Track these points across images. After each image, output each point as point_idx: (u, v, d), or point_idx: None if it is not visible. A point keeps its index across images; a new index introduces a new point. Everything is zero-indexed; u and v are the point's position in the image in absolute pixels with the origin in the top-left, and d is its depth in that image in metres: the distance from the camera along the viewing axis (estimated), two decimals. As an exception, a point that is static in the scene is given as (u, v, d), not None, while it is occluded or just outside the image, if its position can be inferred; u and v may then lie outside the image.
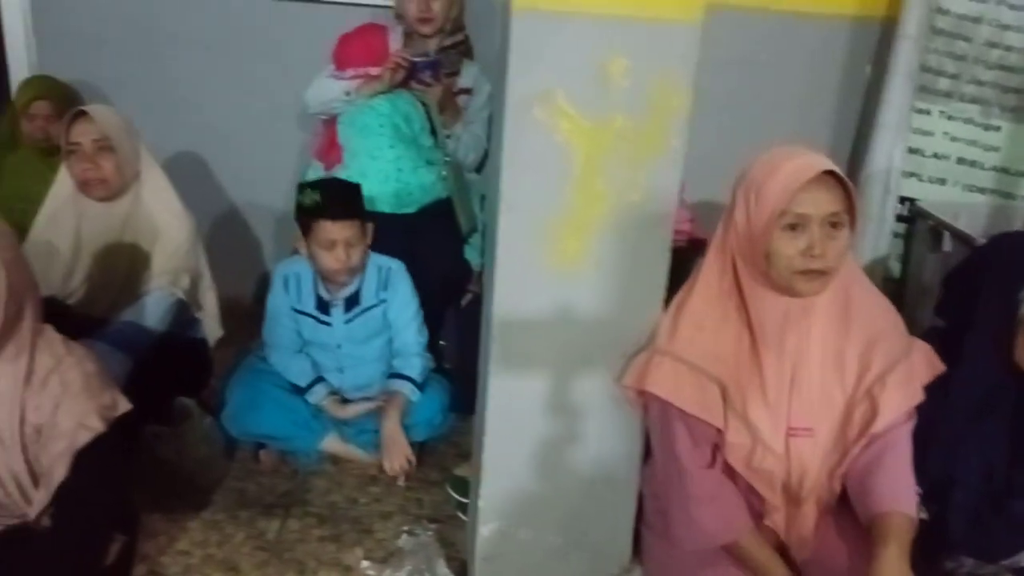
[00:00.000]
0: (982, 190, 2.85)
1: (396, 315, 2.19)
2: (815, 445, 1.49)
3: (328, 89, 2.48)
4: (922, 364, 1.51)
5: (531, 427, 1.61)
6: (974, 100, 2.79)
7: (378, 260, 2.18)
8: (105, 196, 2.13)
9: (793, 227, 1.39)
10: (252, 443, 2.16)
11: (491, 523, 1.66)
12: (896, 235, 2.80)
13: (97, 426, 1.44)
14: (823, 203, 1.38)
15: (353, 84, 2.44)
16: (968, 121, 2.81)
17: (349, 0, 2.76)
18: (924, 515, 1.53)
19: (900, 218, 2.79)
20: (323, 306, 2.15)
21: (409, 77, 2.43)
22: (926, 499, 1.56)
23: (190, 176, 2.52)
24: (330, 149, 2.51)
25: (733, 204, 1.50)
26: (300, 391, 2.16)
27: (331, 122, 2.52)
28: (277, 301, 2.18)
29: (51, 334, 1.49)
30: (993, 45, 2.75)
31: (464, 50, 2.62)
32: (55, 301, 2.05)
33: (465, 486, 2.00)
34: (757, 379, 1.49)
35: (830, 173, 1.38)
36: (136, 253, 2.17)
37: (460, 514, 1.98)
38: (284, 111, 2.82)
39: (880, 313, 1.54)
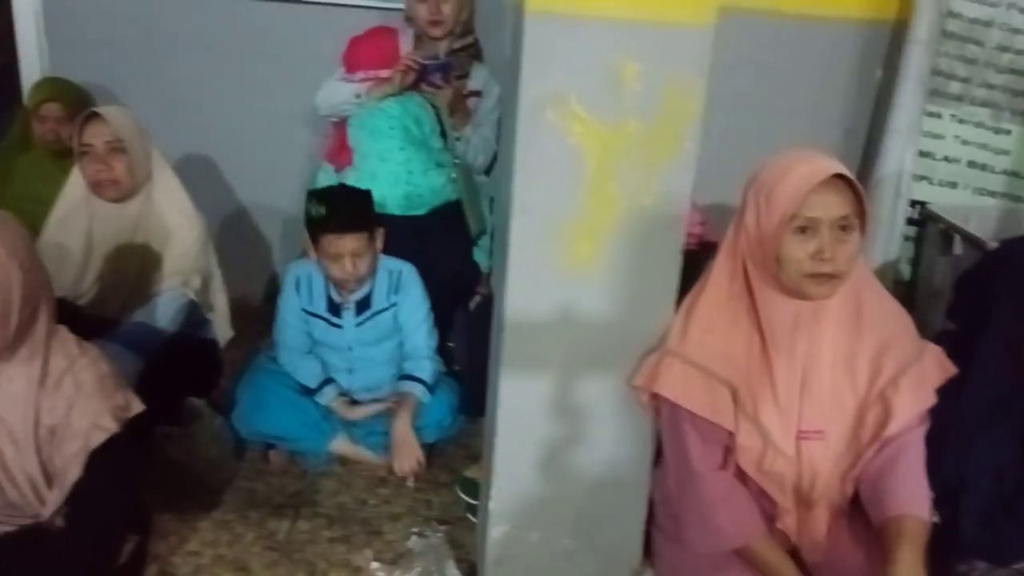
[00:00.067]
0: (992, 193, 2.85)
1: (407, 318, 2.19)
2: (826, 448, 1.49)
3: (338, 92, 2.49)
4: (934, 367, 1.51)
5: (542, 429, 1.61)
6: (985, 104, 2.79)
7: (389, 263, 2.18)
8: (117, 197, 2.14)
9: (803, 230, 1.39)
10: (262, 443, 2.17)
11: (501, 525, 1.66)
12: (906, 238, 2.80)
13: (111, 427, 1.45)
14: (833, 206, 1.38)
15: (363, 87, 2.46)
16: (979, 125, 2.81)
17: (359, 3, 2.77)
18: (936, 519, 1.53)
19: (911, 221, 2.79)
20: (334, 308, 2.16)
21: (419, 80, 2.44)
22: (937, 503, 1.55)
23: (200, 178, 2.53)
24: (340, 151, 2.52)
25: (744, 207, 1.50)
26: (310, 392, 2.16)
27: (341, 124, 2.53)
28: (288, 302, 2.18)
29: (65, 335, 1.50)
30: (1004, 49, 2.75)
31: (474, 53, 2.63)
32: (66, 302, 2.05)
33: (474, 488, 2.00)
34: (767, 382, 1.49)
35: (840, 176, 1.38)
36: (147, 254, 2.18)
37: (469, 516, 1.98)
38: (294, 113, 2.83)
39: (891, 316, 1.53)
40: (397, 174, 2.41)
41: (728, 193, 1.71)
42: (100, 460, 1.43)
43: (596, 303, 1.54)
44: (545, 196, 1.46)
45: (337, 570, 1.81)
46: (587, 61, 1.39)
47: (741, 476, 1.51)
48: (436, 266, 2.32)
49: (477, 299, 2.64)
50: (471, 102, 2.60)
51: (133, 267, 2.17)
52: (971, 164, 2.83)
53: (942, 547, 1.43)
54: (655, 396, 1.54)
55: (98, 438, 1.43)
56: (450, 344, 2.50)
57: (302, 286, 2.17)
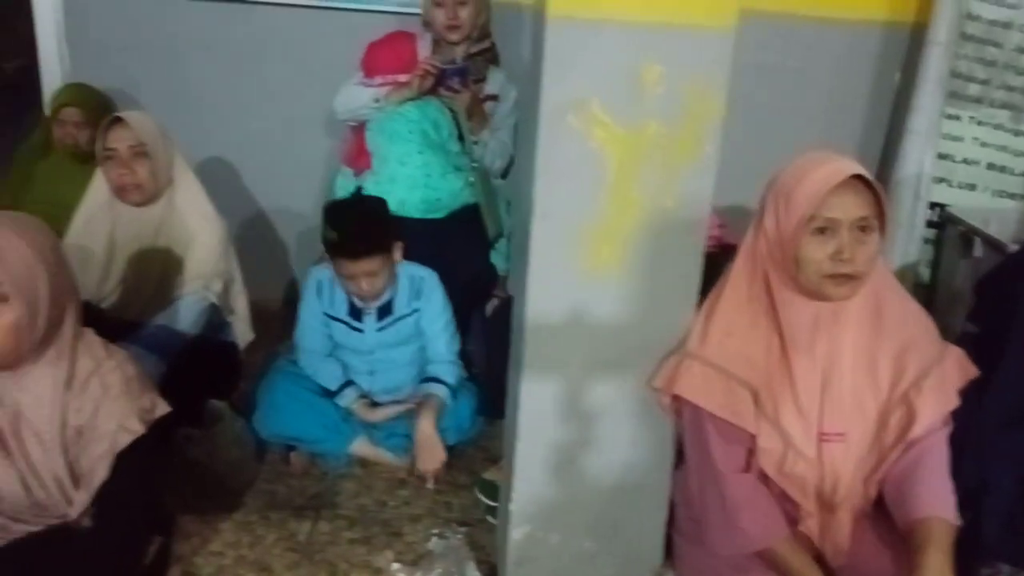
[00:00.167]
0: (1012, 195, 2.83)
1: (428, 324, 2.20)
2: (848, 450, 1.49)
3: (357, 96, 2.50)
4: (956, 370, 1.51)
5: (562, 432, 1.61)
6: (1004, 105, 2.78)
7: (411, 269, 2.19)
8: (140, 201, 2.17)
9: (822, 231, 1.40)
10: (282, 445, 2.18)
11: (522, 527, 1.67)
12: (926, 241, 2.79)
13: (137, 428, 1.46)
14: (852, 207, 1.39)
15: (382, 91, 2.47)
16: (998, 127, 2.80)
17: (377, 8, 2.79)
18: (958, 521, 1.52)
19: (930, 224, 2.78)
20: (355, 313, 2.17)
21: (437, 84, 2.45)
22: (959, 505, 1.55)
23: (219, 182, 2.54)
24: (359, 155, 2.54)
25: (763, 210, 1.51)
26: (330, 394, 2.17)
27: (359, 129, 2.55)
28: (309, 306, 2.20)
29: (91, 337, 1.51)
30: (1023, 51, 2.74)
31: (491, 57, 2.64)
32: (89, 305, 2.07)
33: (494, 490, 2.01)
34: (788, 384, 1.49)
35: (859, 177, 1.39)
36: (169, 258, 2.20)
37: (490, 518, 1.99)
38: (312, 118, 2.85)
39: (912, 319, 1.53)
40: (415, 178, 2.42)
41: (746, 196, 1.72)
42: (126, 461, 1.45)
43: (616, 306, 1.54)
44: (566, 200, 1.47)
45: (358, 571, 1.82)
46: (608, 65, 1.40)
47: (763, 479, 1.51)
48: (454, 269, 2.33)
49: (494, 302, 2.65)
50: (488, 106, 2.61)
51: (155, 270, 2.19)
52: (990, 166, 2.81)
53: (964, 550, 1.42)
54: (676, 398, 1.55)
55: (125, 439, 1.45)
56: (468, 347, 2.51)
57: (324, 290, 2.18)
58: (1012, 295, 1.73)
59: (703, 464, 1.52)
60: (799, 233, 1.41)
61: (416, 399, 2.19)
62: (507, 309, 2.43)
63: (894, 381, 1.49)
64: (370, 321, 2.17)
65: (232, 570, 1.80)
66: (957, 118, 2.76)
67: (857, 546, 1.49)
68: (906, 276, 2.64)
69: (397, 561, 1.84)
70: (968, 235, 2.62)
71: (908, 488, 1.43)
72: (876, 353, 1.50)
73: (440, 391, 2.16)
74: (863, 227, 1.40)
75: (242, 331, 2.37)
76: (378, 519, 1.99)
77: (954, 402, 1.49)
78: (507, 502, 1.68)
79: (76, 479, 1.47)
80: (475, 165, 2.53)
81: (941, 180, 2.78)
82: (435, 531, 1.94)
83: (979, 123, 2.79)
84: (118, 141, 2.12)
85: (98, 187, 2.22)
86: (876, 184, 1.40)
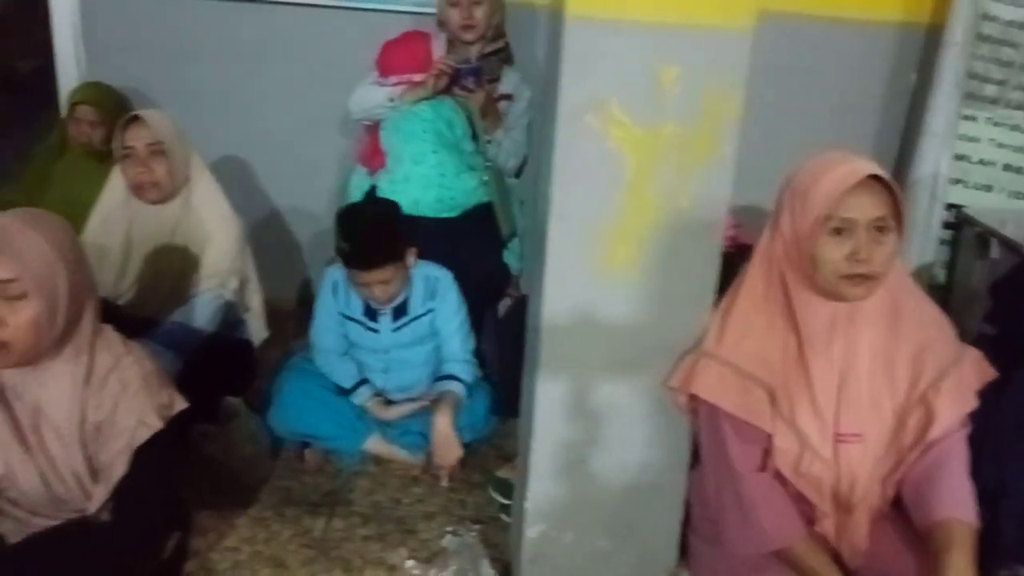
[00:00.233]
0: (1028, 197, 2.82)
1: (443, 324, 2.21)
2: (865, 451, 1.49)
3: (372, 96, 2.51)
4: (973, 371, 1.50)
5: (578, 431, 1.62)
6: (1020, 107, 2.77)
7: (426, 269, 2.19)
8: (157, 199, 2.18)
9: (839, 232, 1.40)
10: (297, 442, 2.20)
11: (537, 525, 1.67)
12: (942, 242, 2.78)
13: (156, 424, 1.47)
14: (869, 207, 1.39)
15: (397, 91, 2.48)
16: (1015, 128, 2.78)
17: (392, 8, 2.80)
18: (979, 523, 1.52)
19: (946, 225, 2.78)
20: (371, 313, 2.17)
21: (452, 83, 2.45)
22: (977, 507, 1.55)
23: (233, 181, 2.55)
24: (374, 154, 2.55)
25: (779, 210, 1.51)
26: (345, 392, 2.19)
27: (374, 128, 2.56)
28: (325, 305, 2.20)
29: (110, 334, 1.52)
30: (1040, 51, 2.73)
31: (505, 57, 2.65)
32: (106, 302, 2.09)
33: (507, 488, 2.02)
34: (804, 384, 1.49)
35: (876, 177, 1.38)
36: (185, 255, 2.22)
37: (503, 516, 1.99)
38: (327, 117, 2.86)
39: (930, 320, 1.53)
40: (430, 177, 2.43)
41: (761, 196, 1.72)
42: (145, 456, 1.46)
43: (632, 306, 1.55)
44: (583, 200, 1.47)
45: (373, 568, 1.82)
46: (626, 65, 1.40)
47: (779, 479, 1.50)
48: (467, 268, 2.34)
49: (507, 301, 2.66)
50: (502, 106, 2.62)
51: (172, 268, 2.21)
52: (1007, 167, 2.80)
53: (982, 552, 1.41)
54: (692, 398, 1.55)
55: (143, 435, 1.45)
56: (480, 346, 2.52)
57: (339, 290, 2.19)
58: (1029, 297, 1.73)
59: (720, 463, 1.52)
60: (815, 233, 1.40)
61: (430, 397, 2.20)
62: (520, 308, 2.44)
63: (912, 382, 1.48)
64: (385, 321, 2.17)
65: (248, 565, 1.81)
66: (973, 119, 2.75)
67: (875, 547, 1.48)
68: (922, 277, 2.64)
69: (411, 558, 1.85)
70: (984, 236, 2.61)
71: (928, 489, 1.42)
72: (893, 354, 1.49)
73: (457, 388, 2.17)
74: (880, 227, 1.40)
75: (257, 329, 2.39)
76: (392, 516, 2.00)
77: (972, 403, 1.48)
78: (522, 500, 1.69)
79: (95, 474, 1.48)
80: (489, 164, 2.53)
81: (957, 181, 2.77)
82: (449, 529, 1.95)
83: (995, 124, 2.78)
84: (136, 139, 2.13)
85: (115, 185, 2.24)
86: (893, 184, 1.40)
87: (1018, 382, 1.62)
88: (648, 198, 1.47)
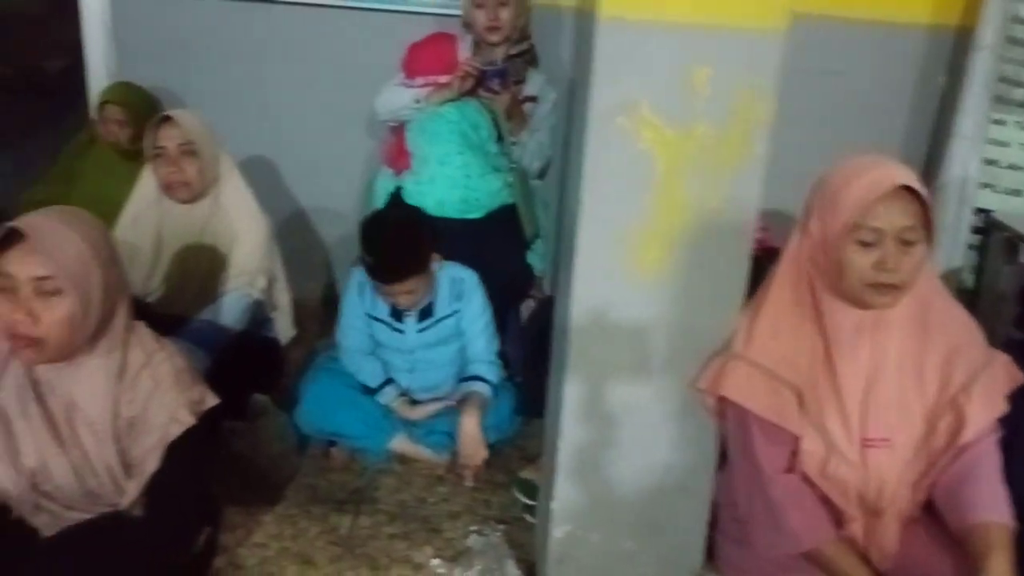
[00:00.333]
0: (1057, 202, 2.79)
1: (469, 325, 2.22)
2: (893, 456, 1.48)
3: (398, 97, 2.53)
4: (1003, 375, 1.50)
5: (605, 432, 1.62)
6: (1051, 111, 2.74)
7: (451, 271, 2.20)
8: (188, 198, 2.21)
9: (866, 241, 1.39)
10: (323, 440, 2.21)
11: (563, 526, 1.67)
12: (970, 246, 2.76)
13: (187, 420, 1.49)
14: (897, 217, 1.38)
15: (423, 92, 2.49)
16: (1044, 132, 2.76)
17: (418, 10, 2.81)
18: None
19: (975, 229, 2.75)
20: (397, 314, 2.18)
21: (477, 85, 2.46)
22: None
23: (260, 181, 2.57)
24: (399, 155, 2.56)
25: (808, 213, 1.51)
26: (370, 391, 2.20)
27: (399, 129, 2.57)
28: (351, 305, 2.22)
29: (143, 330, 1.54)
30: (1071, 55, 2.70)
31: (530, 58, 2.65)
32: (136, 300, 2.11)
33: (531, 489, 2.02)
34: (831, 388, 1.49)
35: (906, 186, 1.37)
36: (215, 254, 2.24)
37: (527, 516, 2.00)
38: (353, 118, 2.88)
39: (959, 324, 1.52)
40: (455, 178, 2.44)
41: (788, 198, 1.71)
42: (177, 452, 1.48)
43: (662, 308, 1.55)
44: (613, 201, 1.47)
45: (399, 566, 1.84)
46: (658, 67, 1.40)
47: (806, 482, 1.50)
48: (491, 269, 2.35)
49: (529, 303, 2.67)
50: (527, 107, 2.62)
51: (201, 267, 2.23)
52: (1036, 172, 2.78)
53: (1019, 554, 1.40)
54: (720, 399, 1.55)
55: (175, 431, 1.47)
56: (503, 347, 2.52)
57: (365, 291, 2.20)
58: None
59: (748, 465, 1.52)
60: (843, 240, 1.40)
61: (456, 397, 2.21)
62: (544, 309, 2.45)
63: (941, 386, 1.48)
64: (411, 322, 2.19)
65: (276, 561, 1.83)
66: (1003, 123, 2.73)
67: (906, 551, 1.48)
68: (950, 282, 2.62)
69: (437, 557, 1.86)
70: (1013, 241, 2.59)
71: (962, 493, 1.42)
72: (922, 358, 1.49)
73: (483, 389, 2.18)
74: (908, 239, 1.39)
75: (284, 327, 2.41)
76: (417, 515, 2.01)
77: (1002, 408, 1.48)
78: (548, 500, 1.69)
79: (128, 469, 1.50)
80: (513, 166, 2.54)
81: (986, 185, 2.75)
82: (474, 528, 1.95)
83: (1025, 128, 2.76)
84: (167, 139, 2.16)
85: (146, 184, 2.27)
86: (923, 193, 1.38)
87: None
88: (678, 200, 1.47)
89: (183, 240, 2.24)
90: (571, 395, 1.60)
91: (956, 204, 2.63)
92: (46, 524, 1.52)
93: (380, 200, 2.56)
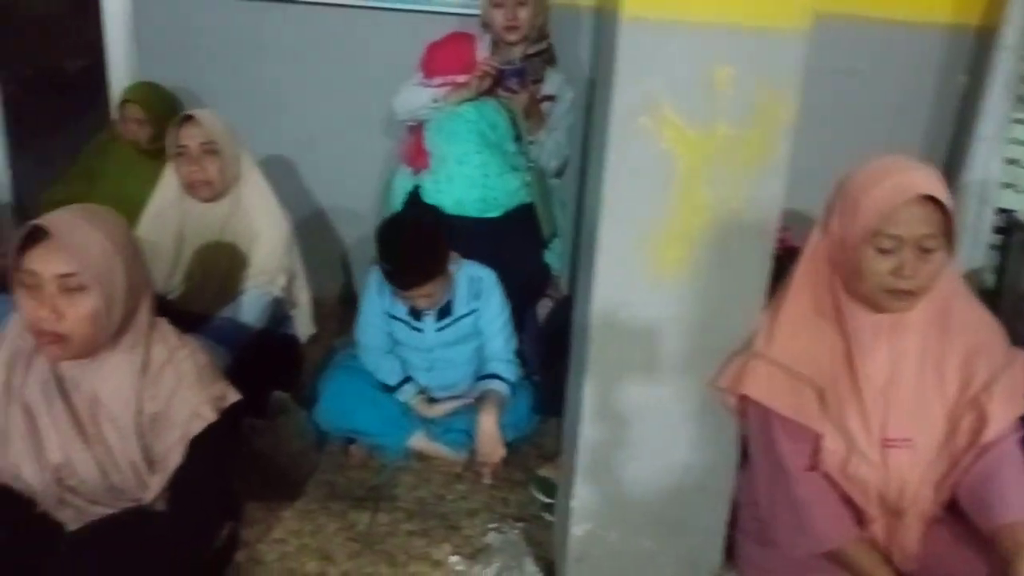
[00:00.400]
0: (1079, 202, 2.76)
1: (487, 324, 2.22)
2: (914, 456, 1.48)
3: (416, 96, 2.53)
4: None
5: (625, 431, 1.62)
6: (1073, 111, 2.71)
7: (470, 270, 2.20)
8: (209, 197, 2.22)
9: (885, 248, 1.39)
10: (342, 438, 2.23)
11: (582, 524, 1.68)
12: (992, 247, 2.74)
13: (210, 416, 1.50)
14: (917, 225, 1.37)
15: (441, 92, 2.49)
16: (1066, 132, 2.73)
17: (437, 9, 2.82)
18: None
19: (996, 229, 2.73)
20: (415, 313, 2.19)
21: (496, 84, 2.47)
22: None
23: (278, 179, 2.59)
24: (418, 155, 2.57)
25: (829, 213, 1.51)
26: (389, 389, 2.21)
27: (418, 128, 2.58)
28: (371, 304, 2.22)
29: (165, 327, 1.56)
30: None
31: (548, 58, 2.65)
32: (157, 298, 2.13)
33: (549, 487, 2.03)
34: (851, 388, 1.49)
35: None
36: (235, 252, 2.26)
37: (545, 514, 2.00)
38: (372, 118, 2.89)
39: (981, 324, 1.52)
40: (473, 177, 2.45)
41: (809, 198, 1.71)
42: (200, 448, 1.49)
43: (683, 308, 1.55)
44: (635, 201, 1.47)
45: (417, 562, 1.84)
46: (681, 66, 1.40)
47: (828, 481, 1.50)
48: (509, 268, 2.35)
49: (546, 302, 2.67)
50: (545, 106, 2.63)
51: (222, 265, 2.25)
52: (1057, 172, 2.75)
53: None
54: (742, 399, 1.55)
55: (198, 426, 1.49)
56: (520, 346, 2.53)
57: (384, 290, 2.20)
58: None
59: (772, 464, 1.52)
60: (862, 245, 1.40)
61: (474, 395, 2.21)
62: (562, 308, 2.45)
63: (962, 386, 1.48)
64: (429, 321, 2.19)
65: (295, 557, 1.84)
66: (1024, 123, 2.71)
67: (930, 551, 1.47)
68: (971, 282, 2.60)
69: (455, 554, 1.86)
70: (1035, 241, 2.57)
71: (987, 493, 1.41)
72: (943, 358, 1.49)
73: (501, 388, 2.19)
74: (927, 247, 1.38)
75: (304, 325, 2.42)
76: (436, 512, 2.02)
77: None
78: (567, 499, 1.70)
79: (151, 464, 1.51)
80: (531, 165, 2.54)
81: (1008, 185, 2.72)
82: (492, 526, 1.96)
83: (1047, 128, 2.73)
84: (189, 138, 2.18)
85: (168, 183, 2.28)
86: (946, 201, 1.37)
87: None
88: (700, 199, 1.47)
89: (204, 238, 2.26)
90: (590, 394, 1.60)
91: (977, 204, 2.62)
92: (71, 518, 1.53)
93: (398, 199, 2.57)
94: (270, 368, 2.20)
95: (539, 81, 2.61)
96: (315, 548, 1.87)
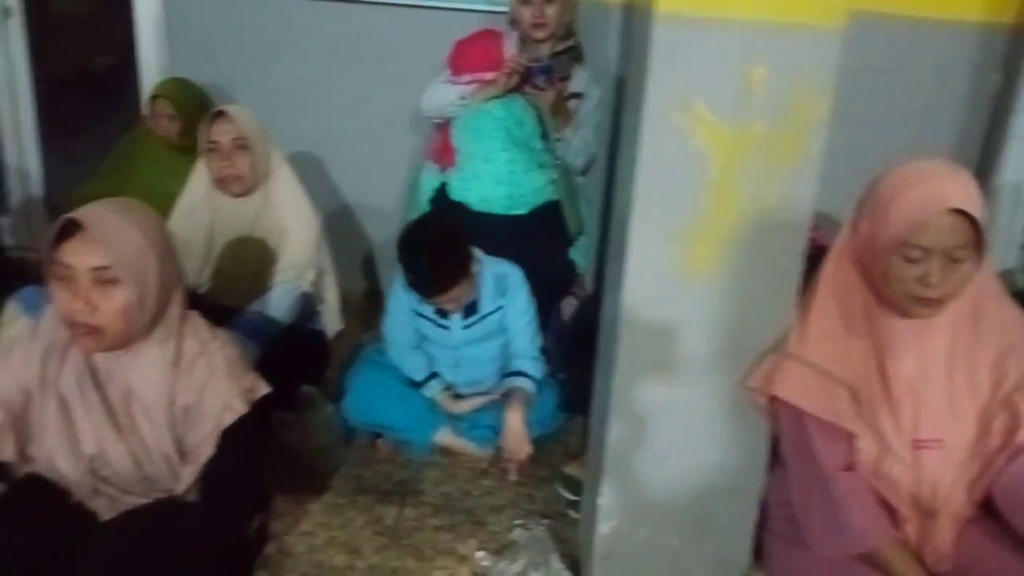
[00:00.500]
0: (1114, 203, 2.72)
1: (513, 321, 2.22)
2: (946, 457, 1.47)
3: (444, 94, 2.54)
4: None
5: (654, 430, 1.61)
6: (1108, 110, 2.67)
7: (495, 267, 2.20)
8: (241, 192, 2.24)
9: (913, 257, 1.38)
10: (369, 432, 2.24)
11: (609, 522, 1.67)
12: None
13: (241, 408, 1.52)
14: (946, 236, 1.36)
15: (468, 89, 2.50)
16: (1101, 133, 2.68)
17: (464, 7, 2.82)
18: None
19: (1029, 231, 2.70)
20: (442, 311, 2.19)
21: (523, 82, 2.47)
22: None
23: (306, 175, 2.61)
24: (444, 152, 2.57)
25: (859, 213, 1.50)
26: (416, 385, 2.22)
27: (444, 125, 2.58)
28: (398, 301, 2.23)
29: (197, 320, 1.58)
30: None
31: (575, 55, 2.65)
32: (188, 291, 2.16)
33: (574, 485, 2.03)
34: (882, 388, 1.48)
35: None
36: (265, 247, 2.27)
37: (570, 512, 2.00)
38: (398, 114, 2.90)
39: (1013, 325, 1.50)
40: (500, 174, 2.45)
41: (838, 197, 1.69)
42: (231, 440, 1.51)
43: (713, 306, 1.54)
44: (667, 198, 1.47)
45: (444, 557, 1.85)
46: (715, 64, 1.40)
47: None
48: (535, 265, 2.35)
49: (571, 300, 2.67)
50: (572, 104, 2.63)
51: (252, 259, 2.27)
52: (1091, 173, 2.71)
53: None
54: (772, 399, 1.54)
55: (229, 418, 1.50)
56: (545, 343, 2.53)
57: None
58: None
59: (807, 464, 1.51)
60: (889, 251, 1.39)
61: (500, 392, 2.22)
62: (588, 306, 2.44)
63: (995, 386, 1.46)
64: (456, 319, 2.20)
65: (323, 550, 1.85)
66: (1058, 123, 2.67)
67: (965, 552, 1.46)
68: (1003, 283, 2.56)
69: (481, 549, 1.87)
70: (1067, 243, 2.53)
71: (1023, 494, 1.39)
72: (974, 358, 1.47)
73: (527, 385, 2.19)
74: (956, 256, 1.37)
75: (332, 320, 2.44)
76: (462, 508, 2.03)
77: (1057, 408, 1.45)
78: (595, 497, 1.70)
79: (183, 455, 1.53)
80: (558, 162, 2.54)
81: (1041, 186, 2.69)
82: (518, 522, 1.96)
83: (1081, 128, 2.68)
84: (221, 134, 2.20)
85: (199, 179, 2.31)
86: (977, 214, 1.35)
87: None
88: (732, 197, 1.47)
89: (234, 233, 2.28)
90: (618, 391, 1.60)
91: (1010, 205, 2.59)
92: (104, 508, 1.56)
93: (424, 196, 2.58)
94: (299, 362, 2.22)
95: (566, 78, 2.61)
96: (343, 541, 1.88)
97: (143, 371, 1.49)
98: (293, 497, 1.98)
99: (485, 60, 2.53)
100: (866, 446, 1.46)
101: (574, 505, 2.00)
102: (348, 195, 3.09)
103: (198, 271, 2.29)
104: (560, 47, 2.59)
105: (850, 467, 1.49)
